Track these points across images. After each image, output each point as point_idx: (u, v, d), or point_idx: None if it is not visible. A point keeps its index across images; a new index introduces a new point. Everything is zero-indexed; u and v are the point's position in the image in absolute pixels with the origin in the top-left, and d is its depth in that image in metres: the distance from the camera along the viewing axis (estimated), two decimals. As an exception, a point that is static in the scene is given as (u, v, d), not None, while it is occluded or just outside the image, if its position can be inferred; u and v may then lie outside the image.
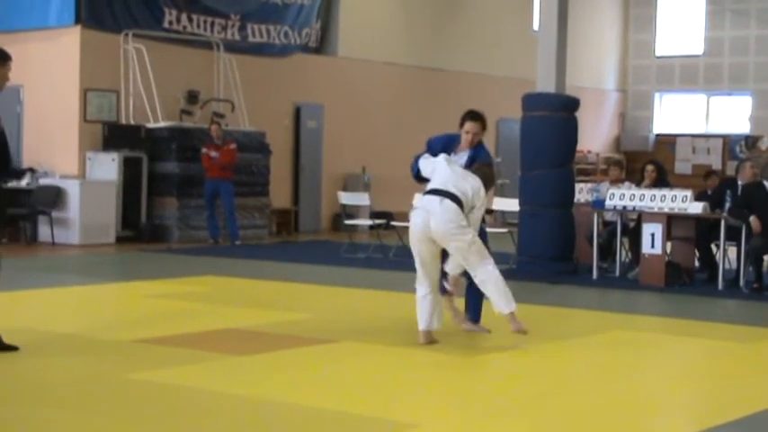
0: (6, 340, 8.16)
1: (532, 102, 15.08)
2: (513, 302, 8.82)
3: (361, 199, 18.13)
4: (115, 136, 18.59)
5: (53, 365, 8.04)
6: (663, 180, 14.90)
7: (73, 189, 17.73)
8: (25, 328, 8.15)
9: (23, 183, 8.40)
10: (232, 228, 18.47)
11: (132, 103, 19.03)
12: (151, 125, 18.88)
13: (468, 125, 9.17)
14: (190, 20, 20.20)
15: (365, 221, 18.59)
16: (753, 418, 6.82)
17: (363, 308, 11.57)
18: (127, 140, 18.59)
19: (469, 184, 8.80)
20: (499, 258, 15.26)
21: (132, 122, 18.96)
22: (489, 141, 26.33)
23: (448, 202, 8.68)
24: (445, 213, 8.65)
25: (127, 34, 19.01)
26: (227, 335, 9.47)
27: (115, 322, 10.02)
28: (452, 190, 8.72)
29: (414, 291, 9.00)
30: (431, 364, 8.38)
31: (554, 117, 14.79)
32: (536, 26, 20.68)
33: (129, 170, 18.41)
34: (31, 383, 7.35)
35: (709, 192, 14.63)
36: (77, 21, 18.61)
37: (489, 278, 8.80)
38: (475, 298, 9.31)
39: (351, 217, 18.60)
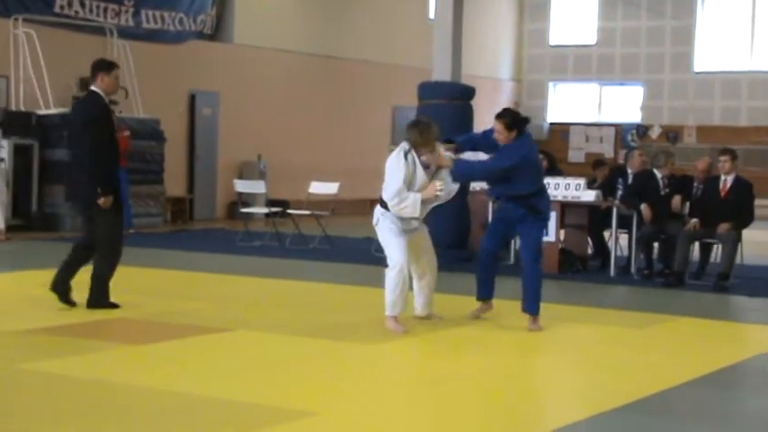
0: None
1: (428, 90, 15.13)
2: (397, 308, 9.06)
3: (256, 187, 18.02)
4: (5, 123, 18.17)
5: (-59, 357, 7.87)
6: (554, 168, 15.07)
7: (-39, 177, 17.35)
8: None
9: None
10: (126, 216, 18.19)
11: (23, 89, 18.68)
12: (42, 112, 18.56)
13: (494, 123, 9.47)
14: (82, 5, 19.89)
15: (261, 209, 18.51)
16: (641, 402, 6.95)
17: (259, 296, 11.52)
18: (17, 127, 18.21)
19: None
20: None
21: (23, 109, 18.61)
22: (385, 129, 26.48)
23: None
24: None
25: (17, 19, 18.65)
26: (121, 324, 9.36)
27: (5, 312, 9.83)
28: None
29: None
30: (327, 352, 8.38)
31: (450, 106, 14.86)
32: (432, 15, 20.77)
33: (20, 158, 18.05)
34: None
35: (599, 180, 14.84)
36: (-36, 4, 18.23)
37: (387, 279, 9.06)
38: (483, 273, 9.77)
39: (246, 205, 18.50)
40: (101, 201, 9.59)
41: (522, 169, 9.31)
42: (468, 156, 9.74)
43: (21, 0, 18.90)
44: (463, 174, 9.50)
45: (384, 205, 9.14)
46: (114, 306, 9.82)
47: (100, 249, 9.80)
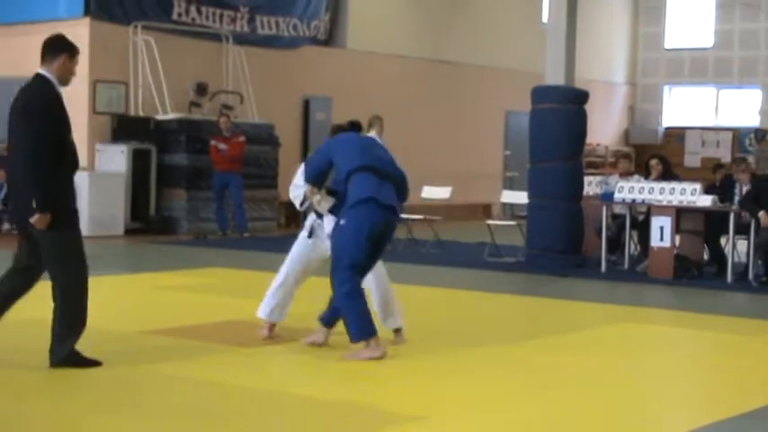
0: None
1: (541, 94, 15.05)
2: (267, 314, 8.88)
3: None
4: (124, 128, 18.61)
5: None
6: (669, 172, 14.90)
7: (82, 181, 17.68)
8: (33, 320, 8.16)
9: None
10: (240, 220, 18.49)
11: (141, 95, 19.05)
12: (160, 117, 18.91)
13: None
14: (199, 12, 20.21)
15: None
16: (759, 411, 6.82)
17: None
18: (136, 132, 18.61)
19: None
20: (508, 251, 15.30)
21: (141, 114, 18.98)
22: (498, 134, 26.43)
23: None
24: None
25: (136, 26, 19.03)
26: (236, 326, 9.48)
27: (123, 314, 10.03)
28: None
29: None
30: (435, 355, 8.37)
31: (563, 110, 14.78)
32: (545, 19, 20.65)
33: (138, 162, 18.42)
34: (39, 376, 7.35)
35: (717, 183, 14.65)
36: (86, 12, 18.61)
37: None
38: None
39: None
40: (33, 219, 7.10)
41: (338, 156, 8.90)
42: None
43: (140, 8, 19.29)
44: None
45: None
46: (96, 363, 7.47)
47: (54, 283, 7.31)
